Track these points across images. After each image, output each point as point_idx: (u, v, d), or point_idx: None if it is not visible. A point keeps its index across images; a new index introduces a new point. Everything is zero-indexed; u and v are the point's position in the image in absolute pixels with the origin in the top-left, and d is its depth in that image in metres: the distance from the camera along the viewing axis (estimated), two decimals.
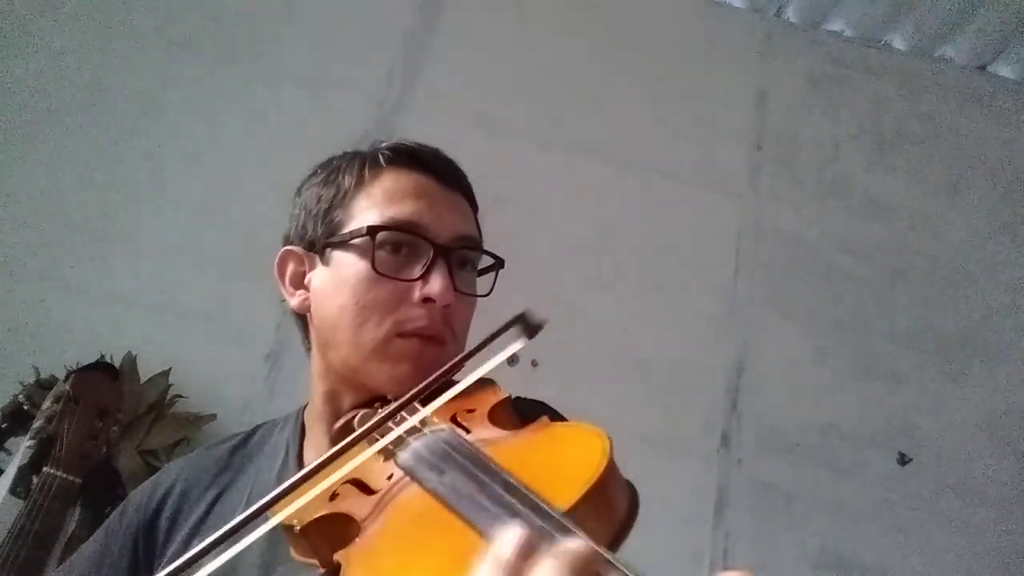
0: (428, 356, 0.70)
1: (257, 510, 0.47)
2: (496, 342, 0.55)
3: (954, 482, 1.83)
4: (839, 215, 2.09)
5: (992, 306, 2.02)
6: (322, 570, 0.52)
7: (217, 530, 0.45)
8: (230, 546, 0.46)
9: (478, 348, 0.56)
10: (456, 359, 0.57)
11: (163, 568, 0.43)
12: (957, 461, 1.85)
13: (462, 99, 2.05)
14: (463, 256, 0.75)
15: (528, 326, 0.54)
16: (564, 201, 1.99)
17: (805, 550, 1.72)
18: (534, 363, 1.77)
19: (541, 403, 0.74)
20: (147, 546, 0.75)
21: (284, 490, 0.48)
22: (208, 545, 0.44)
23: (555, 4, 2.22)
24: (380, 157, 0.76)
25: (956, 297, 2.03)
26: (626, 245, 1.97)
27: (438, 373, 0.56)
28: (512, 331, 0.54)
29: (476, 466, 0.45)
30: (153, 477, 0.82)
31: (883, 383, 1.92)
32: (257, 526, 0.47)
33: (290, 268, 0.79)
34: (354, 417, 0.67)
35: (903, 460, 1.84)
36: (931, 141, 2.21)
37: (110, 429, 1.31)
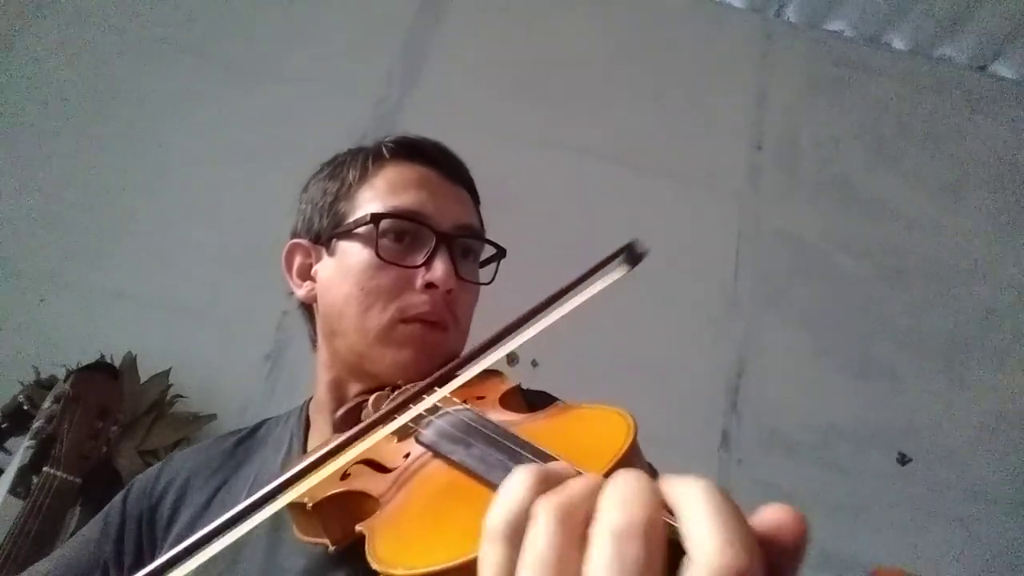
0: (431, 341, 0.71)
1: (269, 492, 0.46)
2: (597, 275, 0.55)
3: (954, 482, 1.83)
4: (839, 215, 2.09)
5: (992, 306, 2.02)
6: (332, 548, 0.52)
7: (220, 518, 0.44)
8: (238, 528, 0.46)
9: (580, 280, 0.55)
10: (485, 341, 0.56)
11: (169, 549, 0.43)
12: (957, 461, 1.85)
13: (462, 99, 2.05)
14: (465, 245, 0.77)
15: (633, 255, 0.54)
16: (564, 201, 1.99)
17: (805, 550, 1.72)
18: (534, 363, 1.77)
19: (547, 393, 0.74)
20: (149, 533, 0.75)
21: (300, 471, 0.48)
22: (218, 527, 0.44)
23: (555, 4, 2.22)
24: (384, 150, 0.78)
25: (956, 297, 2.03)
26: None
27: (466, 354, 0.55)
28: (616, 261, 0.54)
29: (504, 437, 0.45)
30: (158, 464, 0.83)
31: (883, 383, 1.92)
32: (267, 507, 0.47)
33: (297, 260, 0.81)
34: (364, 402, 0.68)
35: (903, 460, 1.84)
36: (931, 141, 2.21)
37: (110, 429, 1.30)
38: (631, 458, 0.41)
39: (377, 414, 0.51)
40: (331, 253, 0.76)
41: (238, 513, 0.45)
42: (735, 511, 0.27)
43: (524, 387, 0.69)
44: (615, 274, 0.53)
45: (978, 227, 2.11)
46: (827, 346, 1.94)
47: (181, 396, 1.61)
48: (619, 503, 0.28)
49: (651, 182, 2.05)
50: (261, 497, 0.46)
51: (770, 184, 2.10)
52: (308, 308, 0.81)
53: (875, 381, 1.92)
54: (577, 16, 2.21)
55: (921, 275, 2.04)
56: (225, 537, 0.44)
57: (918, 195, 2.13)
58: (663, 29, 2.24)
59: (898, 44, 2.32)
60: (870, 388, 1.91)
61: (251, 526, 0.46)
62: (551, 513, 0.29)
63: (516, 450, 0.43)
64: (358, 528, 0.47)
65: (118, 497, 0.80)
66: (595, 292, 0.53)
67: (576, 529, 0.28)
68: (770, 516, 0.28)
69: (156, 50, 1.97)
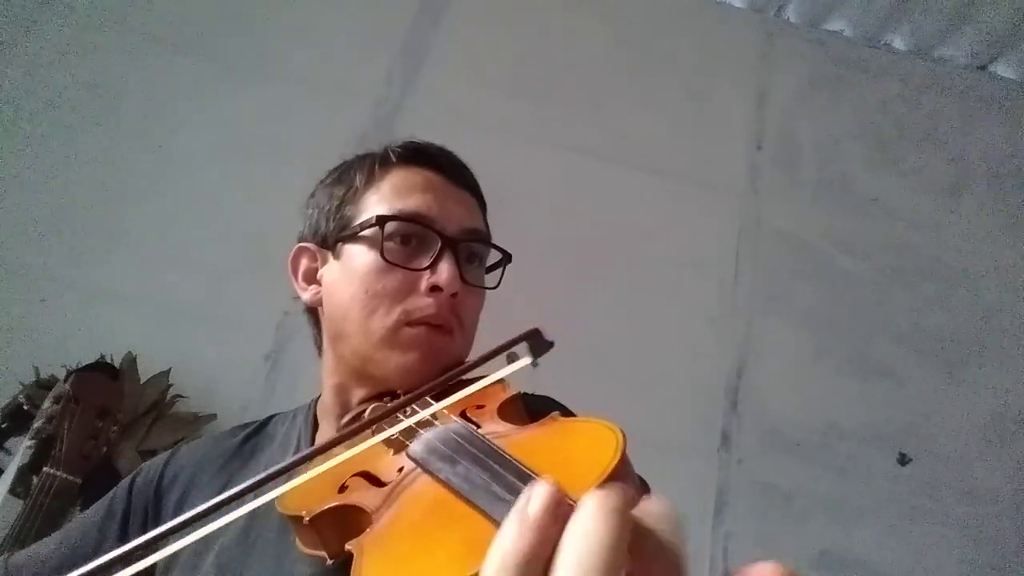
0: (436, 345, 0.71)
1: (256, 482, 0.47)
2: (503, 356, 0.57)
3: (954, 482, 1.83)
4: (839, 215, 2.09)
5: (992, 306, 2.02)
6: (330, 561, 0.52)
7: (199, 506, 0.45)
8: (219, 516, 0.46)
9: (486, 357, 0.56)
10: (468, 363, 0.58)
11: (162, 525, 0.44)
12: (957, 461, 1.85)
13: (462, 99, 2.05)
14: (471, 249, 0.77)
15: (537, 345, 0.55)
16: (564, 201, 1.99)
17: (805, 550, 1.72)
18: (534, 363, 1.77)
19: (550, 399, 0.74)
20: (154, 525, 0.76)
21: (286, 466, 0.48)
22: (204, 510, 0.45)
23: (555, 4, 2.22)
24: (391, 155, 0.79)
25: (956, 297, 2.03)
26: (626, 245, 1.96)
27: (451, 372, 0.56)
28: (522, 346, 0.55)
29: (489, 456, 0.45)
30: (166, 453, 0.83)
31: (883, 383, 1.92)
32: (254, 498, 0.47)
33: (303, 264, 0.81)
34: (364, 411, 0.68)
35: (903, 460, 1.84)
36: (931, 141, 2.21)
37: (110, 429, 1.30)
38: (618, 475, 0.40)
39: (362, 421, 0.51)
40: (337, 257, 0.77)
41: (222, 501, 0.45)
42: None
43: (528, 391, 0.68)
44: (518, 363, 0.55)
45: (978, 227, 2.11)
46: (827, 346, 1.94)
47: (181, 396, 1.60)
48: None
49: (651, 182, 2.05)
50: (245, 488, 0.46)
51: (770, 184, 2.10)
52: (314, 312, 0.82)
53: (875, 381, 1.92)
54: (577, 16, 2.21)
55: (921, 275, 2.04)
56: (201, 526, 0.44)
57: (918, 195, 2.13)
58: (663, 29, 2.24)
59: (898, 44, 2.32)
60: (870, 388, 1.91)
61: (231, 517, 0.46)
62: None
63: (499, 471, 0.42)
64: (347, 547, 0.47)
65: (124, 483, 0.81)
66: (494, 380, 0.55)
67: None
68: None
69: (156, 50, 1.97)
